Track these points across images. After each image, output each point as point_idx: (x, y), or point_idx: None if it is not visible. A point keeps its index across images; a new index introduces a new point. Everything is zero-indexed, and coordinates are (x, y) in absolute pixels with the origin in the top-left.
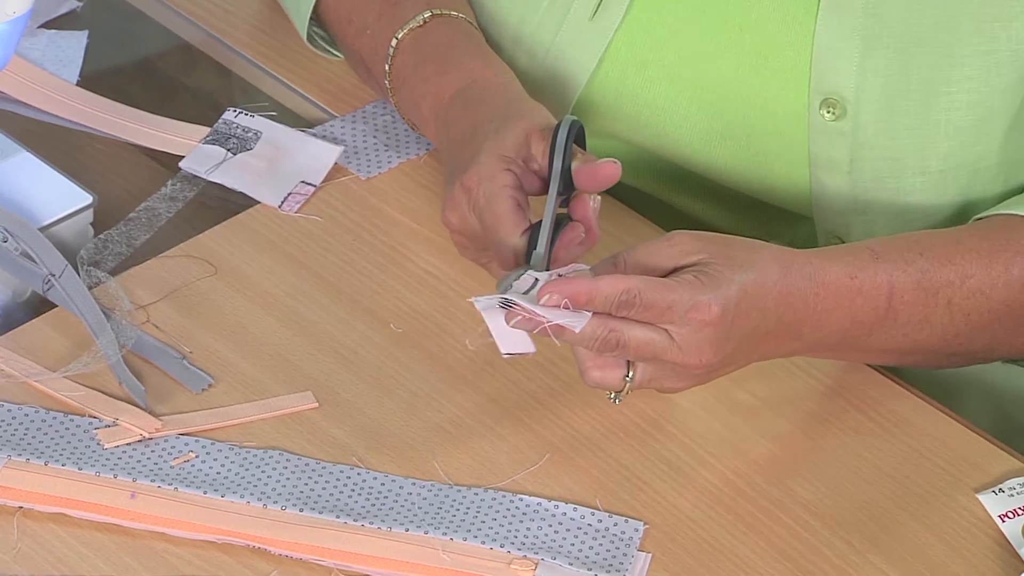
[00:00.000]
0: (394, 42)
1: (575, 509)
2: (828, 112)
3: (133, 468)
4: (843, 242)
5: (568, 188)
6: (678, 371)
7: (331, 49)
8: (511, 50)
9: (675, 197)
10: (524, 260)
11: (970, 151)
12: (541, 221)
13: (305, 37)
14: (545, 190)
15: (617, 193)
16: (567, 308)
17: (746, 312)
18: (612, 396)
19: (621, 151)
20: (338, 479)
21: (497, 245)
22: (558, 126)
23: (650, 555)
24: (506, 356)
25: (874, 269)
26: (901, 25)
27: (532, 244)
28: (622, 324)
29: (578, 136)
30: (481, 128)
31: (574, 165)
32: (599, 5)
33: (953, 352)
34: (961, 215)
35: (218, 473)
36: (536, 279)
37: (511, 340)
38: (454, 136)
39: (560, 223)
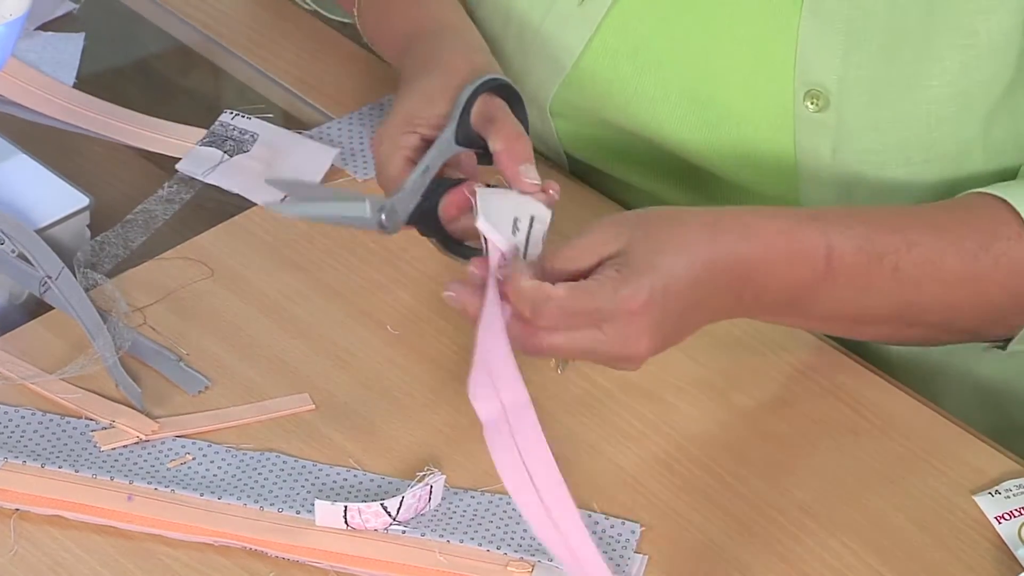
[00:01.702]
0: None
1: None
2: (811, 103)
3: (130, 470)
4: None
5: (484, 152)
6: (616, 364)
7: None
8: (501, 30)
9: (661, 186)
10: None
11: (952, 142)
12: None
13: None
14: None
15: (602, 183)
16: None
17: (676, 292)
18: (556, 366)
19: (609, 138)
20: (335, 481)
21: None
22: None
23: (647, 557)
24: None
25: (810, 228)
26: (885, 18)
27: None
28: (555, 334)
29: (516, 104)
30: (406, 81)
31: (497, 147)
32: None
33: (912, 322)
34: None
35: (215, 475)
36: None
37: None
38: (401, 81)
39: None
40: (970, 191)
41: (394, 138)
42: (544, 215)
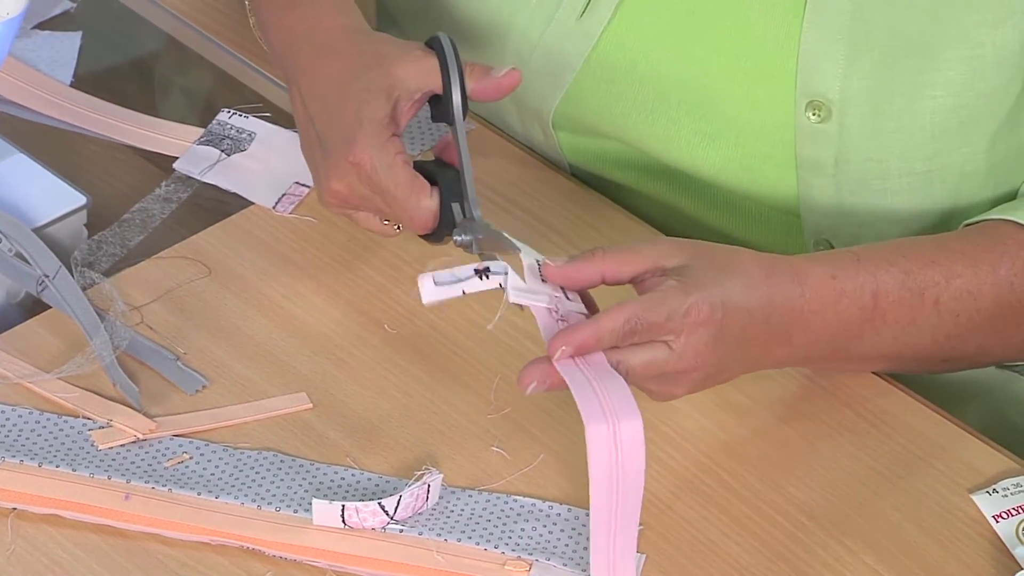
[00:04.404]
0: None
1: (569, 510)
2: (813, 114)
3: (127, 469)
4: (832, 246)
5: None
6: (676, 379)
7: None
8: (500, 44)
9: (666, 193)
10: (440, 217)
11: (955, 153)
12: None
13: None
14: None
15: (606, 189)
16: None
17: (733, 312)
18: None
19: (610, 148)
20: (332, 480)
21: (411, 211)
22: (445, 74)
23: (644, 556)
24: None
25: (855, 269)
26: (887, 28)
27: (444, 200)
28: (625, 353)
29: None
30: (350, 90)
31: (473, 86)
32: (587, 5)
33: (947, 357)
34: (949, 219)
35: (212, 474)
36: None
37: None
38: (316, 92)
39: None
40: (979, 217)
41: (384, 148)
42: (539, 255)
